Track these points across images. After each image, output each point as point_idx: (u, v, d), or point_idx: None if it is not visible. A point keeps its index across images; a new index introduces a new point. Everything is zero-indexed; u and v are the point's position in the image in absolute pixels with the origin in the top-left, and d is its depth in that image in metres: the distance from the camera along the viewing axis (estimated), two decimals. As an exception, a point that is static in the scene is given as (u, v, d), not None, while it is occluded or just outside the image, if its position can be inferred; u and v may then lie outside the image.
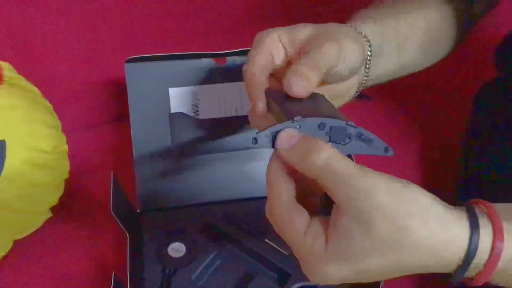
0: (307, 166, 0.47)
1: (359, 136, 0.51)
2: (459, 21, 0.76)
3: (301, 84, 0.52)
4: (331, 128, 0.50)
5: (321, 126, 0.50)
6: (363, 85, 0.66)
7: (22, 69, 0.81)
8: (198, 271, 0.72)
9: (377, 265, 0.46)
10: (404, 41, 0.69)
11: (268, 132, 0.49)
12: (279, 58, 0.58)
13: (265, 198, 0.76)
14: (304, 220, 0.48)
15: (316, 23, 0.60)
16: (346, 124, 0.51)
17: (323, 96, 0.56)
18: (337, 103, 0.64)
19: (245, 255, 0.74)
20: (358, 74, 0.63)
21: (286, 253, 0.72)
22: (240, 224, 0.76)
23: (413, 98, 0.94)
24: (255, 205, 0.77)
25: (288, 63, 0.58)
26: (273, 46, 0.57)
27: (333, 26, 0.60)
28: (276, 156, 0.49)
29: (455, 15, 0.75)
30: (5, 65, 0.79)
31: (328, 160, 0.46)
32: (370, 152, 0.51)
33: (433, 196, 0.47)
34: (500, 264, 0.47)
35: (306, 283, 0.70)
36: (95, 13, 0.88)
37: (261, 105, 0.55)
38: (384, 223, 0.45)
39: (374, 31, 0.65)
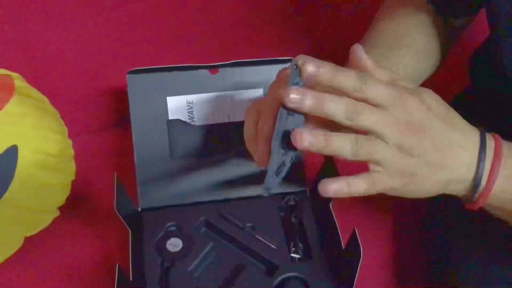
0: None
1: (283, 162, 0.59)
2: (443, 39, 0.79)
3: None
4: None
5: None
6: None
7: (32, 79, 0.83)
8: (194, 264, 0.73)
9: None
10: None
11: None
12: None
13: (256, 197, 0.81)
14: None
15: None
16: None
17: None
18: None
19: (237, 249, 0.76)
20: None
21: (274, 247, 0.75)
22: (233, 221, 0.77)
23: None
24: (246, 204, 0.79)
25: None
26: None
27: None
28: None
29: (437, 32, 0.78)
30: (15, 75, 0.81)
31: None
32: (268, 173, 0.58)
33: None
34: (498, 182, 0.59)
35: (291, 274, 0.73)
36: (99, 27, 0.90)
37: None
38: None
39: None
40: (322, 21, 1.02)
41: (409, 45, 0.76)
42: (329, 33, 1.02)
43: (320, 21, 1.02)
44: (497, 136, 0.62)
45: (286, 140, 0.57)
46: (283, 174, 0.59)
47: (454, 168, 0.60)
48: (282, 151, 0.58)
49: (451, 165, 0.59)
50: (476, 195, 0.61)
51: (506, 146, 0.61)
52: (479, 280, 0.72)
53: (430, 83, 0.88)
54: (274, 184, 0.59)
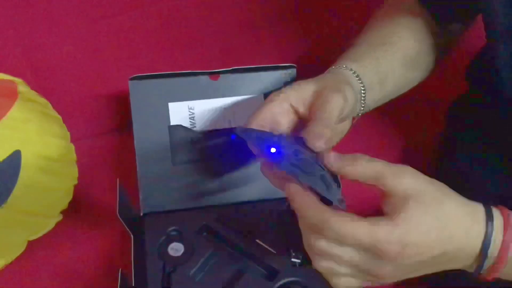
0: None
1: (322, 178, 0.57)
2: (435, 43, 0.79)
3: (321, 142, 0.59)
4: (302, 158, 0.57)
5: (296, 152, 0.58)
6: (358, 115, 0.72)
7: (35, 84, 0.84)
8: (195, 268, 0.74)
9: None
10: (385, 77, 0.73)
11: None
12: (287, 119, 0.64)
13: (256, 202, 0.81)
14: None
15: (317, 77, 0.66)
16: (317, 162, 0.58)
17: None
18: (340, 136, 0.69)
19: (238, 254, 0.76)
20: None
21: (274, 252, 0.75)
22: (233, 226, 0.78)
23: (393, 107, 0.96)
24: (247, 209, 0.80)
25: (301, 120, 0.64)
26: (280, 109, 0.63)
27: (332, 77, 0.66)
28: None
29: (431, 38, 0.78)
30: (19, 81, 0.81)
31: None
32: (325, 195, 0.57)
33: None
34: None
35: (291, 279, 0.73)
36: (101, 34, 0.91)
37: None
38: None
39: (357, 73, 0.70)
40: (323, 25, 1.02)
41: (393, 42, 0.76)
42: (329, 37, 1.02)
43: (320, 25, 1.02)
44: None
45: (303, 166, 0.58)
46: (329, 180, 0.58)
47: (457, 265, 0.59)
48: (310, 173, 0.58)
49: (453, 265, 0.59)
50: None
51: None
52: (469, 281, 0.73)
53: (428, 88, 0.89)
54: (336, 195, 0.57)
